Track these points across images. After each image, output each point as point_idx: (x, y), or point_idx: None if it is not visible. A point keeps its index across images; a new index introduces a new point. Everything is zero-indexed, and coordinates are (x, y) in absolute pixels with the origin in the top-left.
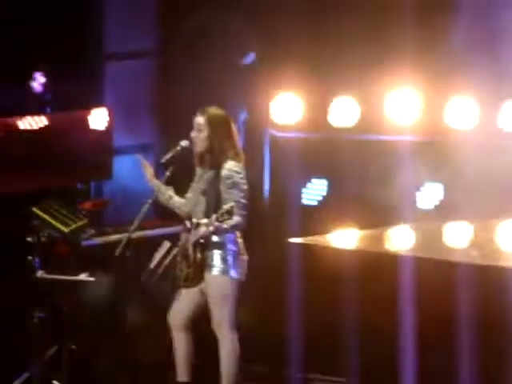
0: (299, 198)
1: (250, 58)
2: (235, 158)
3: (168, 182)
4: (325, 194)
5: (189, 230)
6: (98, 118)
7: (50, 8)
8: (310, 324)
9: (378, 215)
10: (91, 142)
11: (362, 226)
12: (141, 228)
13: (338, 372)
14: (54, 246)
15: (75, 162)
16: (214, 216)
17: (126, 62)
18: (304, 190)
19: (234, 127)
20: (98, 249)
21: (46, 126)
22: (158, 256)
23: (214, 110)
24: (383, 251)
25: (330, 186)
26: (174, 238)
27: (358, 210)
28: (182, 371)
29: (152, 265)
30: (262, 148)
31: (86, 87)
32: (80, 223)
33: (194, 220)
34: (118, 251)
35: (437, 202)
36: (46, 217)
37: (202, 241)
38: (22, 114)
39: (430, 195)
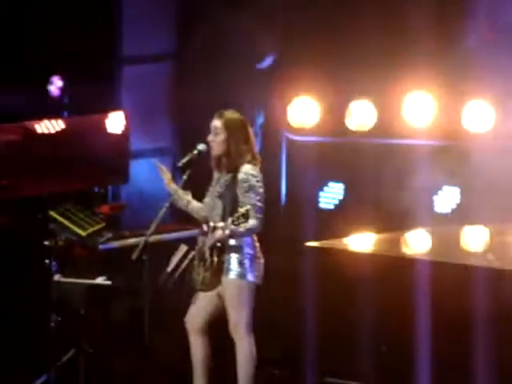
0: (316, 201)
1: (268, 61)
2: (252, 161)
3: (185, 186)
4: (341, 197)
5: (206, 234)
6: (115, 122)
7: (67, 12)
8: (326, 328)
9: (394, 219)
10: (108, 146)
11: (379, 230)
12: (158, 232)
13: (354, 376)
14: (72, 249)
15: (92, 166)
16: (229, 219)
17: (143, 66)
18: (321, 194)
19: (250, 131)
20: (115, 252)
21: (64, 130)
22: (174, 260)
23: (230, 114)
24: (400, 255)
25: (346, 190)
26: (190, 242)
27: (374, 213)
28: (199, 375)
29: (169, 268)
30: (279, 152)
31: (103, 91)
32: (97, 227)
33: (211, 223)
34: (134, 255)
35: (453, 206)
36: (63, 220)
37: (218, 244)
38: (40, 117)
39: (446, 199)
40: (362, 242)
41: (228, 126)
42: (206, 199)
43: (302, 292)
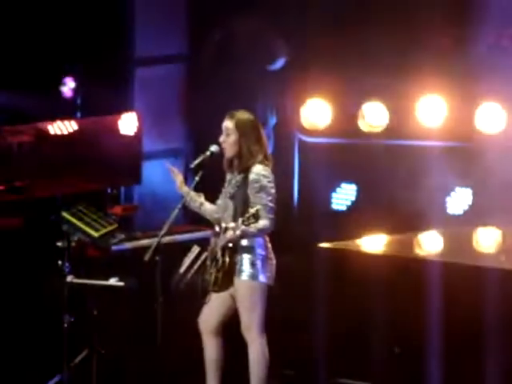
0: (328, 202)
1: (280, 63)
2: (264, 161)
3: (198, 188)
4: (354, 198)
5: (218, 235)
6: (128, 123)
7: (80, 14)
8: (338, 328)
9: (406, 220)
10: (121, 147)
11: (391, 231)
12: (170, 233)
13: (366, 377)
14: (84, 250)
15: (105, 167)
16: (240, 220)
17: (156, 67)
18: (333, 195)
19: (262, 131)
20: (127, 254)
21: (76, 131)
22: (187, 261)
23: (242, 114)
24: (412, 256)
25: (359, 191)
26: (203, 243)
27: (387, 214)
28: (211, 376)
29: (182, 269)
30: (291, 153)
31: (115, 92)
32: (110, 228)
33: (223, 224)
34: (147, 256)
35: (466, 207)
36: (76, 222)
37: (230, 245)
38: (53, 118)
39: (459, 200)
40: (374, 243)
41: (239, 126)
42: (219, 201)
43: (315, 293)
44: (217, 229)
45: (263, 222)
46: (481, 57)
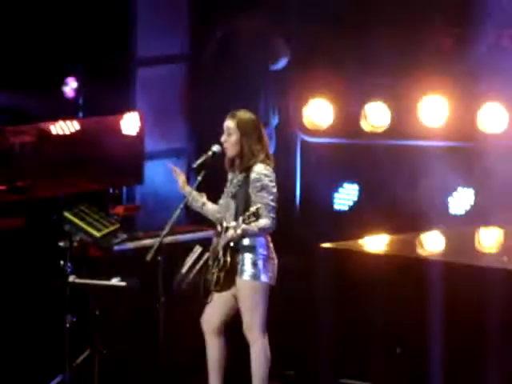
0: (331, 203)
1: (282, 63)
2: (265, 161)
3: (200, 187)
4: (356, 199)
5: (220, 234)
6: (130, 123)
7: (82, 14)
8: (340, 329)
9: (408, 220)
10: (123, 147)
11: (393, 231)
12: (172, 233)
13: (368, 377)
14: (86, 250)
15: (107, 167)
16: (240, 218)
17: (158, 67)
18: (335, 195)
19: (263, 130)
20: (129, 254)
21: (78, 131)
22: (189, 261)
23: (243, 114)
24: (414, 256)
25: (361, 191)
26: (205, 243)
27: (389, 214)
28: (214, 375)
29: (184, 270)
30: (293, 153)
31: (117, 92)
32: (112, 228)
33: (224, 224)
34: (149, 256)
35: (468, 207)
36: (78, 222)
37: (232, 244)
38: (55, 119)
39: (461, 200)
40: (376, 243)
41: (241, 126)
42: (221, 200)
43: (317, 293)
44: (219, 228)
45: (264, 221)
46: (482, 57)
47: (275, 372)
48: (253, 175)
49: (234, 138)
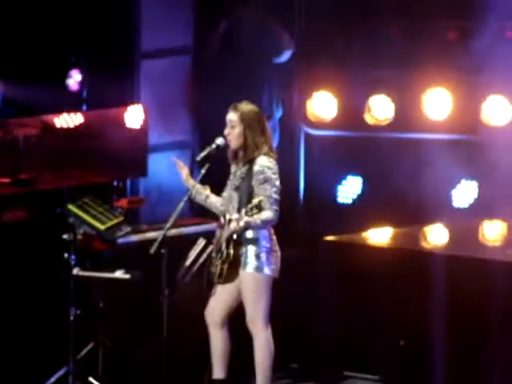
0: (334, 195)
1: (286, 56)
2: (269, 153)
3: (204, 180)
4: (360, 191)
5: (223, 227)
6: (134, 116)
7: (86, 6)
8: (343, 322)
9: (412, 213)
10: (127, 140)
11: (397, 224)
12: (176, 226)
13: (371, 369)
14: (90, 243)
15: (111, 160)
16: (243, 210)
17: (162, 60)
18: (339, 188)
19: (266, 122)
20: (133, 246)
21: (82, 124)
22: (193, 254)
23: (245, 106)
24: (417, 249)
25: (365, 184)
26: (209, 236)
27: (392, 207)
28: (218, 368)
29: (187, 262)
30: (297, 146)
31: (121, 85)
32: (116, 221)
33: (227, 216)
34: (153, 249)
35: (471, 200)
36: (82, 214)
37: (235, 236)
38: (59, 111)
39: (464, 193)
40: (380, 236)
41: (244, 118)
42: (224, 193)
43: (320, 286)
44: (222, 221)
45: (267, 214)
46: (485, 49)
47: (279, 364)
48: (256, 168)
49: (238, 130)
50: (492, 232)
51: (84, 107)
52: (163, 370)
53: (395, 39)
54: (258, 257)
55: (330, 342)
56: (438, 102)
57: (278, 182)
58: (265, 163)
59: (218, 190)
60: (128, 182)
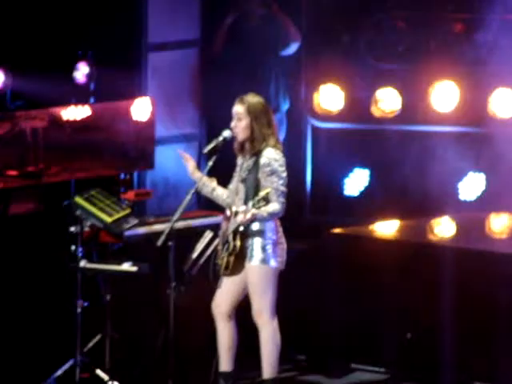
0: (341, 188)
1: (294, 48)
2: (275, 145)
3: (211, 173)
4: (367, 184)
5: (229, 219)
6: (141, 108)
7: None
8: (350, 314)
9: (419, 205)
10: (134, 132)
11: (404, 217)
12: (183, 218)
13: (378, 362)
14: (97, 236)
15: (118, 152)
16: (250, 203)
17: (169, 53)
18: (346, 181)
19: (272, 114)
20: (140, 239)
21: (89, 117)
22: (200, 246)
23: (252, 98)
24: (424, 242)
25: (371, 177)
26: (216, 228)
27: (399, 200)
28: (225, 360)
29: (194, 255)
30: (304, 138)
31: (129, 77)
32: (123, 213)
33: (234, 208)
34: (160, 241)
35: (478, 193)
36: (89, 207)
37: (241, 229)
38: (66, 104)
39: (471, 185)
40: (387, 228)
41: (251, 110)
42: (231, 185)
43: (327, 278)
44: (228, 213)
45: (274, 206)
46: (491, 42)
47: (286, 356)
48: (262, 160)
49: (244, 122)
50: (499, 224)
51: (91, 100)
52: (170, 363)
53: (402, 32)
54: (264, 249)
55: (337, 334)
56: (444, 95)
57: (284, 174)
58: (272, 155)
59: (224, 182)
60: (135, 175)
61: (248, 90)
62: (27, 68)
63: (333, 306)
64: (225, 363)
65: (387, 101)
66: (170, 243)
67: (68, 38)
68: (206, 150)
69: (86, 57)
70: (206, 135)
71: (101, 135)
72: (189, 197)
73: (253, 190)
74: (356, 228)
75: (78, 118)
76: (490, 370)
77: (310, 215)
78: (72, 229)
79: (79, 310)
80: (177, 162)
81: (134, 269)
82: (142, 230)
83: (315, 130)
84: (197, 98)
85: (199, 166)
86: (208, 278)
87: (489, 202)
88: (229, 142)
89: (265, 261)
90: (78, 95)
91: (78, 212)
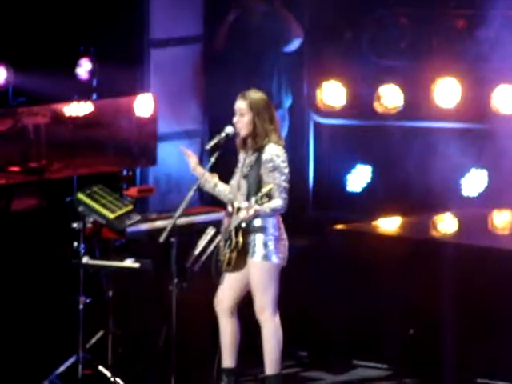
0: (344, 184)
1: (296, 44)
2: (277, 141)
3: (213, 169)
4: (369, 180)
5: (231, 215)
6: (144, 105)
7: None
8: (353, 310)
9: (421, 202)
10: (136, 128)
11: (406, 213)
12: (185, 214)
13: (380, 358)
14: (100, 232)
15: (120, 148)
16: (253, 199)
17: (171, 49)
18: (348, 177)
19: (274, 110)
20: (143, 235)
21: (92, 113)
22: (202, 242)
23: (254, 94)
24: (427, 238)
25: (374, 173)
26: (218, 225)
27: (402, 196)
28: (227, 357)
29: (196, 251)
30: (306, 134)
31: (131, 74)
32: (125, 210)
33: (236, 204)
34: (162, 238)
35: (481, 189)
36: (91, 203)
37: (243, 225)
38: (68, 100)
39: (474, 182)
40: (389, 224)
41: (253, 106)
42: (232, 181)
43: (329, 274)
44: (229, 209)
45: (276, 202)
46: (494, 38)
47: (288, 353)
48: (265, 156)
49: (247, 118)
50: (501, 221)
51: (93, 96)
52: (173, 359)
53: (404, 28)
54: (265, 245)
55: (340, 330)
56: (447, 91)
57: (286, 170)
58: (274, 151)
59: (226, 178)
60: (137, 171)
61: (250, 87)
62: (29, 64)
63: (335, 302)
64: (227, 359)
65: (389, 97)
66: (172, 239)
67: (70, 34)
68: (209, 146)
69: (88, 53)
70: (208, 131)
71: (103, 131)
72: (191, 193)
73: (255, 186)
74: (358, 224)
75: (81, 114)
76: (491, 366)
77: (312, 211)
78: (74, 225)
79: (81, 306)
80: (179, 158)
81: (137, 265)
82: (144, 226)
83: (317, 126)
84: (199, 95)
85: (201, 163)
86: (210, 274)
87: (491, 198)
88: (230, 139)
89: (267, 257)
90: (81, 91)
91: (81, 208)
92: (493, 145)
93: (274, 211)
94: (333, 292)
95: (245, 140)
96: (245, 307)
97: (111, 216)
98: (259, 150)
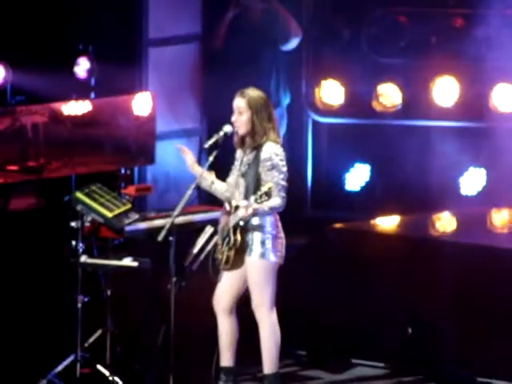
0: (342, 183)
1: (295, 43)
2: (276, 139)
3: (212, 168)
4: (368, 179)
5: (228, 213)
6: (142, 103)
7: None
8: (351, 309)
9: (420, 200)
10: (135, 127)
11: (405, 212)
12: (184, 213)
13: (378, 357)
14: (98, 231)
15: (118, 147)
16: (252, 198)
17: (170, 47)
18: (347, 176)
19: (272, 108)
20: (141, 234)
21: (90, 112)
22: (200, 241)
23: (253, 92)
24: (425, 237)
25: (372, 172)
26: (216, 224)
27: (400, 195)
28: (226, 356)
29: (195, 250)
30: (305, 133)
31: (130, 72)
32: (123, 208)
33: (234, 202)
34: (161, 236)
35: (479, 188)
36: (89, 202)
37: (241, 223)
38: (67, 99)
39: (472, 180)
40: (388, 223)
41: (252, 104)
42: (229, 179)
43: (327, 273)
44: (227, 207)
45: (275, 200)
46: (492, 36)
47: (287, 351)
48: (263, 154)
49: (245, 116)
50: (500, 219)
51: (92, 95)
52: (171, 358)
53: (403, 27)
54: (263, 243)
55: (338, 329)
56: (445, 90)
57: (285, 169)
58: (272, 150)
59: (224, 176)
60: (136, 170)
61: (249, 85)
62: (28, 63)
63: (333, 301)
64: (226, 358)
65: (388, 96)
66: (170, 238)
67: (68, 33)
68: (207, 145)
69: (86, 52)
70: (206, 130)
71: (101, 130)
72: (189, 192)
73: (253, 185)
74: (357, 223)
75: (79, 113)
76: (490, 365)
77: (310, 210)
78: (72, 224)
79: (80, 305)
80: (177, 157)
81: (135, 264)
82: (142, 225)
83: (316, 124)
84: (198, 93)
85: (200, 161)
86: (208, 273)
87: (490, 196)
88: (228, 137)
89: (264, 255)
90: (79, 90)
91: (79, 207)
92: (491, 143)
93: (272, 210)
94: (331, 291)
95: (243, 138)
96: (243, 306)
97: (109, 215)
98: (257, 148)
